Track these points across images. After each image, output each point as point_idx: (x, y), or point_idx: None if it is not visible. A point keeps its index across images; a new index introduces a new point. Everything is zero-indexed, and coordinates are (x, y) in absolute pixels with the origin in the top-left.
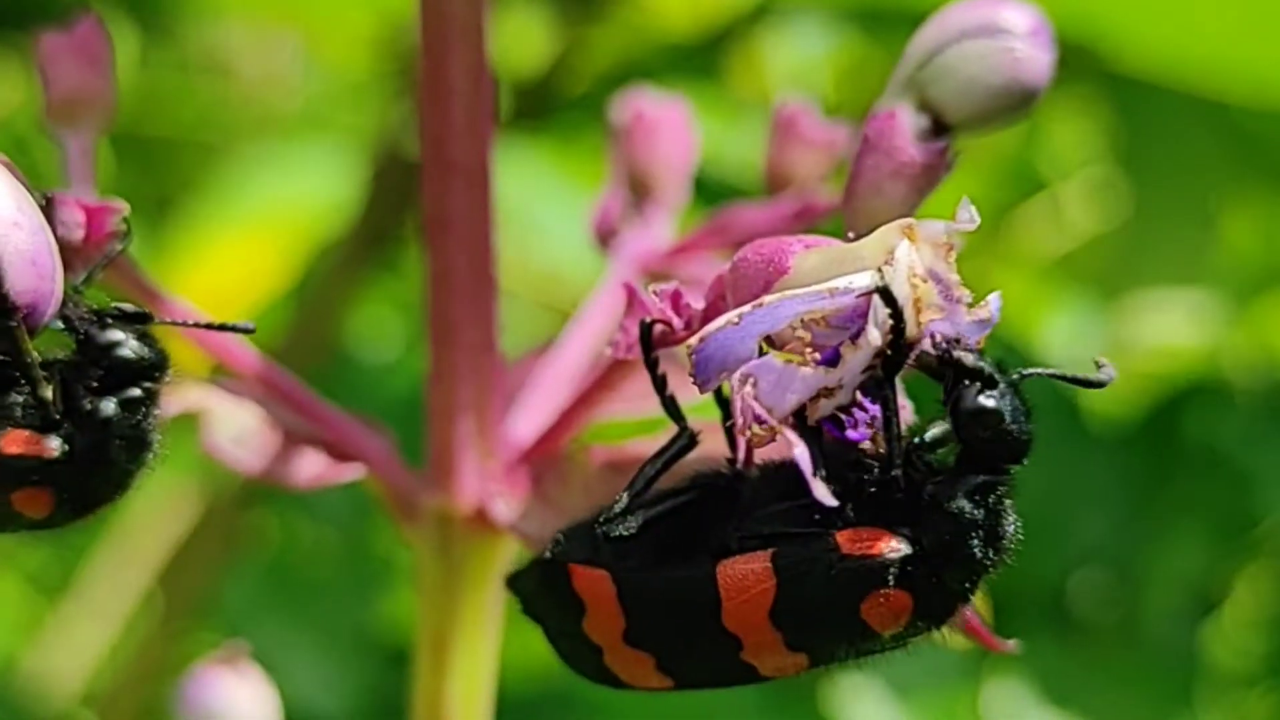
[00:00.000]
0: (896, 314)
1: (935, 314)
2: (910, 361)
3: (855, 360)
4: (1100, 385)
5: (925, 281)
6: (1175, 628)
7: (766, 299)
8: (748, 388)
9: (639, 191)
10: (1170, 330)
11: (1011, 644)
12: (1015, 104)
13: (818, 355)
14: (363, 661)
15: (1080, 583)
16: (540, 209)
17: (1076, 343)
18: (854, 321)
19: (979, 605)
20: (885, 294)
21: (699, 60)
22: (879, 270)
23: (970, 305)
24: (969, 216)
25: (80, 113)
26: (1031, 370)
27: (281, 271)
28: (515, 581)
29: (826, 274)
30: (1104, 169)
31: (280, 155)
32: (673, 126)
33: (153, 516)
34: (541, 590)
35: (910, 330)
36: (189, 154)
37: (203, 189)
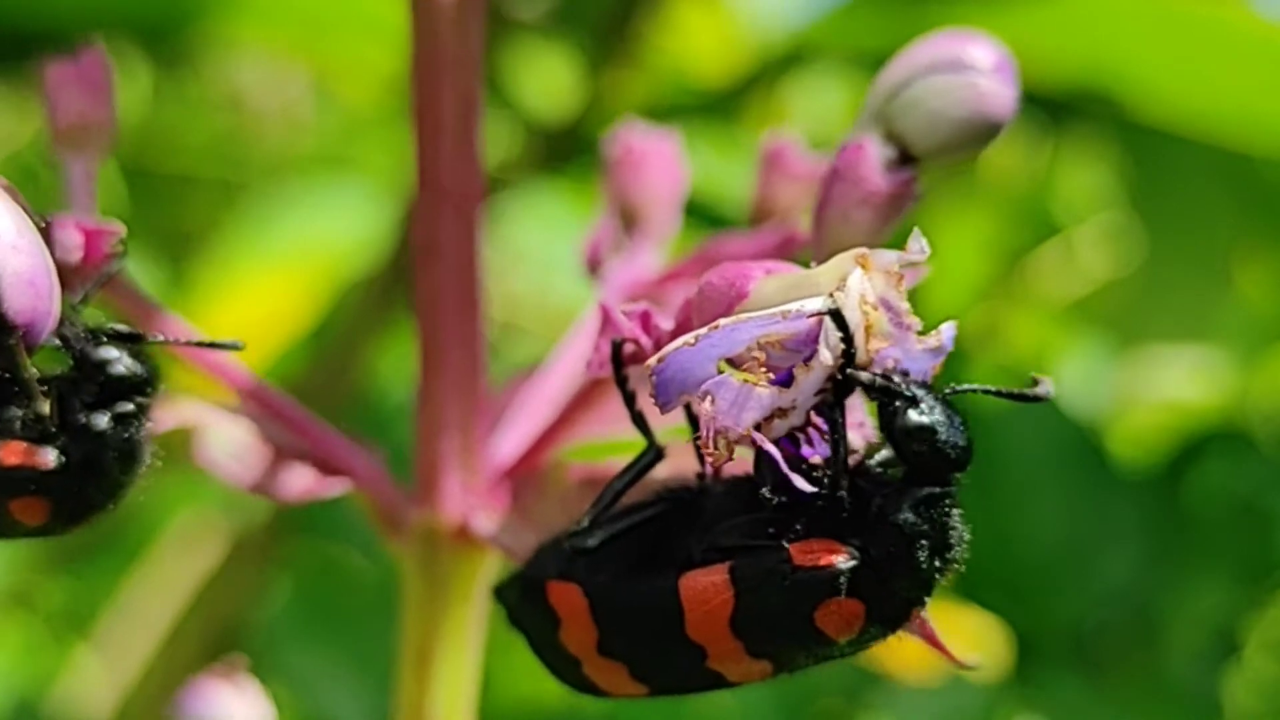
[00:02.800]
0: (847, 338)
1: (884, 341)
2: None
3: (808, 382)
4: (1037, 400)
5: (876, 309)
6: (1197, 669)
7: (722, 322)
8: (707, 405)
9: (628, 222)
10: (1184, 381)
11: (972, 659)
12: (979, 137)
13: (772, 376)
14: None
15: (1103, 623)
16: (558, 250)
17: (1090, 386)
18: (808, 345)
19: (944, 619)
20: (836, 317)
21: (724, 107)
22: (830, 295)
23: (921, 334)
24: (919, 248)
25: (83, 139)
26: (965, 387)
27: (306, 309)
28: (500, 594)
29: (783, 299)
30: (1118, 214)
31: (303, 193)
32: (662, 159)
33: (180, 549)
34: (522, 603)
35: (860, 355)
36: (210, 191)
37: (226, 226)
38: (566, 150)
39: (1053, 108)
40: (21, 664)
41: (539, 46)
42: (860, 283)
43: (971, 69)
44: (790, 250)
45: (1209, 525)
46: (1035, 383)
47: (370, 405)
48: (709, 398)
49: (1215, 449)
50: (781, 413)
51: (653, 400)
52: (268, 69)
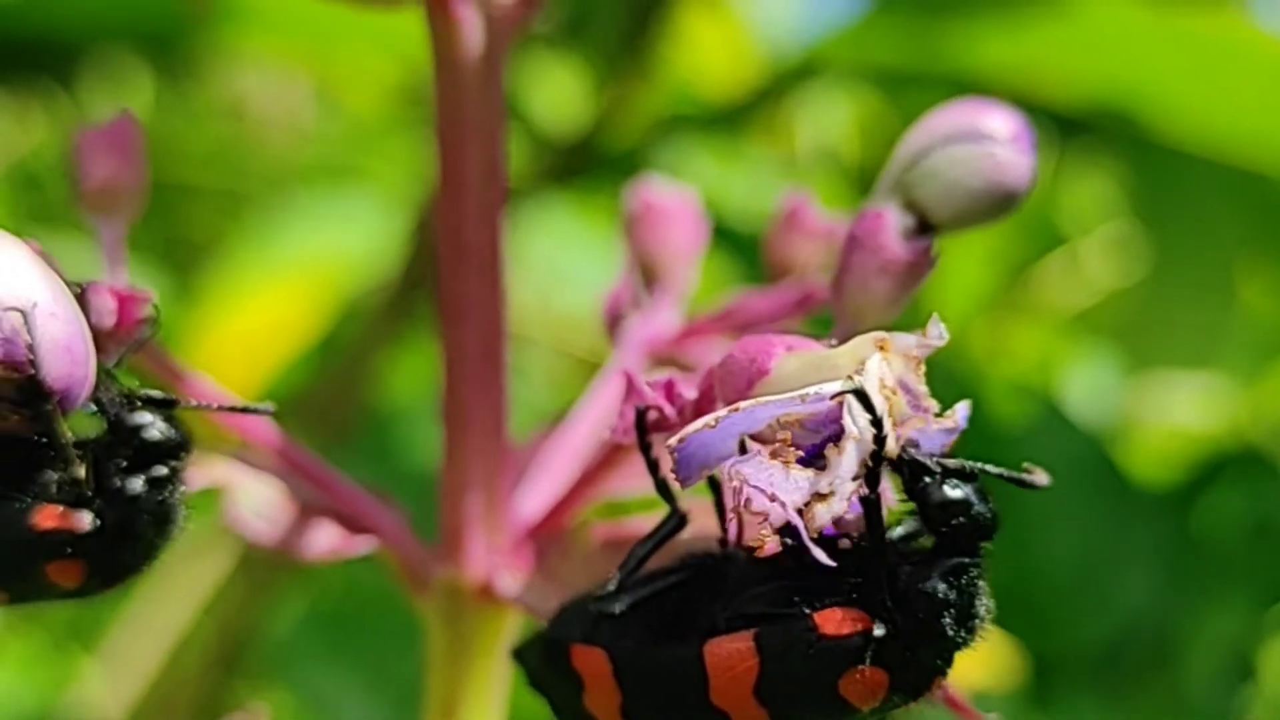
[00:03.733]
0: (876, 420)
1: (903, 423)
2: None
3: (844, 465)
4: (1033, 488)
5: (895, 393)
6: (1215, 690)
7: (742, 404)
8: (737, 489)
9: (648, 278)
10: (1191, 404)
11: (993, 717)
12: (996, 206)
13: (800, 454)
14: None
15: (1121, 644)
16: (563, 259)
17: (1096, 397)
18: (828, 426)
19: (971, 674)
20: (863, 400)
21: (734, 120)
22: (850, 377)
23: (938, 415)
24: (939, 333)
25: (112, 203)
26: (982, 465)
27: (312, 320)
28: (521, 655)
29: (803, 379)
30: (1122, 226)
31: (308, 203)
32: (681, 216)
33: (189, 561)
34: (544, 666)
35: (889, 444)
36: (214, 200)
37: (230, 236)
38: (576, 163)
39: (1060, 121)
40: (29, 677)
41: (550, 60)
42: (880, 367)
43: (989, 139)
44: (808, 307)
45: (1226, 547)
46: (1030, 472)
47: (379, 417)
48: (741, 484)
49: (1231, 472)
50: (820, 497)
51: (674, 477)
52: (271, 78)
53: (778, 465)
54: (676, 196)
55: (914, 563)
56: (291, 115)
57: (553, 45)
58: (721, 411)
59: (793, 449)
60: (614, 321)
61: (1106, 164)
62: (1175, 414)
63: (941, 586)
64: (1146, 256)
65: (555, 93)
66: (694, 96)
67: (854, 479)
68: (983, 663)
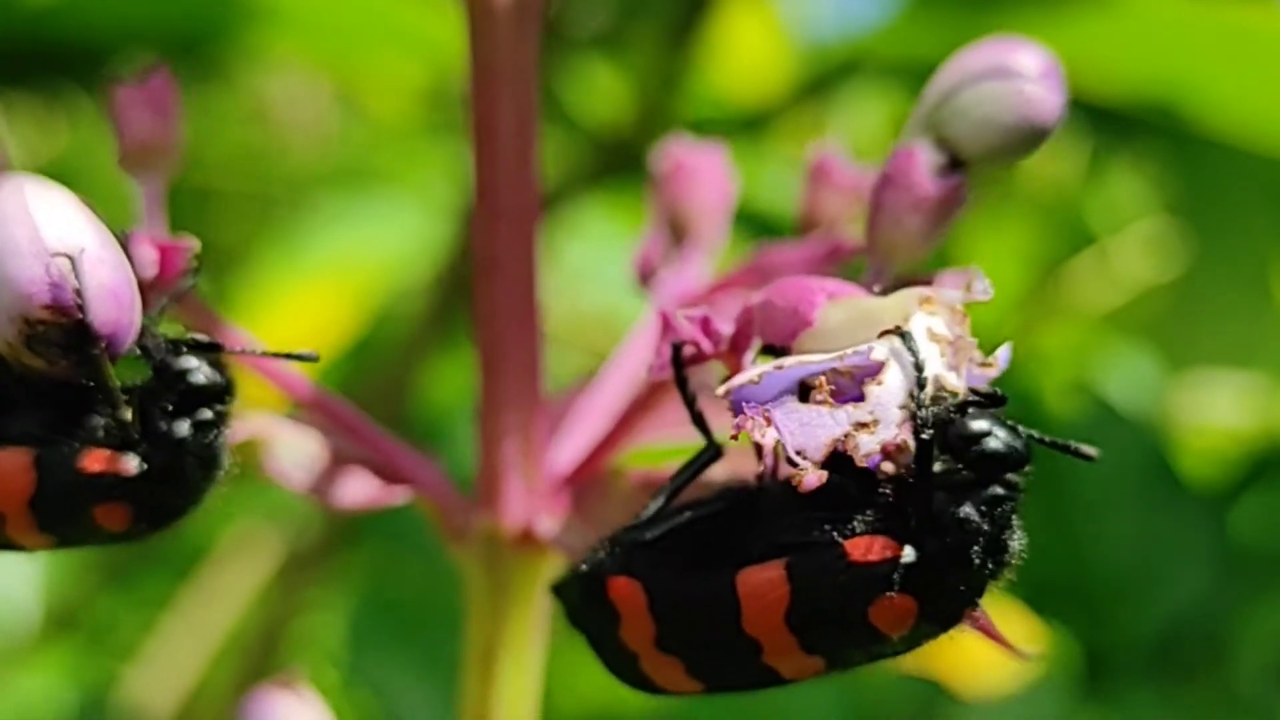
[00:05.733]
0: (919, 363)
1: (949, 374)
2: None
3: (886, 394)
4: (1084, 458)
5: (941, 342)
6: (1267, 684)
7: (787, 362)
8: (773, 431)
9: (678, 234)
10: (1231, 402)
11: (1031, 649)
12: (1027, 141)
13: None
14: None
15: (1174, 638)
16: (594, 260)
17: (1134, 395)
18: (872, 375)
19: (1001, 613)
20: (911, 348)
21: (775, 119)
22: (899, 335)
23: (982, 363)
24: (983, 288)
25: (151, 159)
26: (1030, 431)
27: (346, 324)
28: (559, 591)
29: (849, 333)
30: (1157, 221)
31: (337, 206)
32: (710, 172)
33: (234, 561)
34: (582, 600)
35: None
36: (239, 204)
37: (260, 241)
38: (616, 163)
39: (1096, 115)
40: (77, 677)
41: (593, 60)
42: (925, 320)
43: (1019, 76)
44: (838, 259)
45: (1274, 544)
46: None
47: (423, 420)
48: (774, 423)
49: (1277, 469)
50: (863, 426)
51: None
52: (296, 82)
53: (812, 407)
54: (705, 154)
55: (948, 490)
56: (317, 120)
57: (596, 46)
58: (768, 367)
59: (832, 389)
60: (645, 276)
61: (1143, 159)
62: (1212, 412)
63: (972, 513)
64: (1182, 253)
65: (597, 94)
66: (732, 97)
67: (900, 406)
68: (1037, 655)
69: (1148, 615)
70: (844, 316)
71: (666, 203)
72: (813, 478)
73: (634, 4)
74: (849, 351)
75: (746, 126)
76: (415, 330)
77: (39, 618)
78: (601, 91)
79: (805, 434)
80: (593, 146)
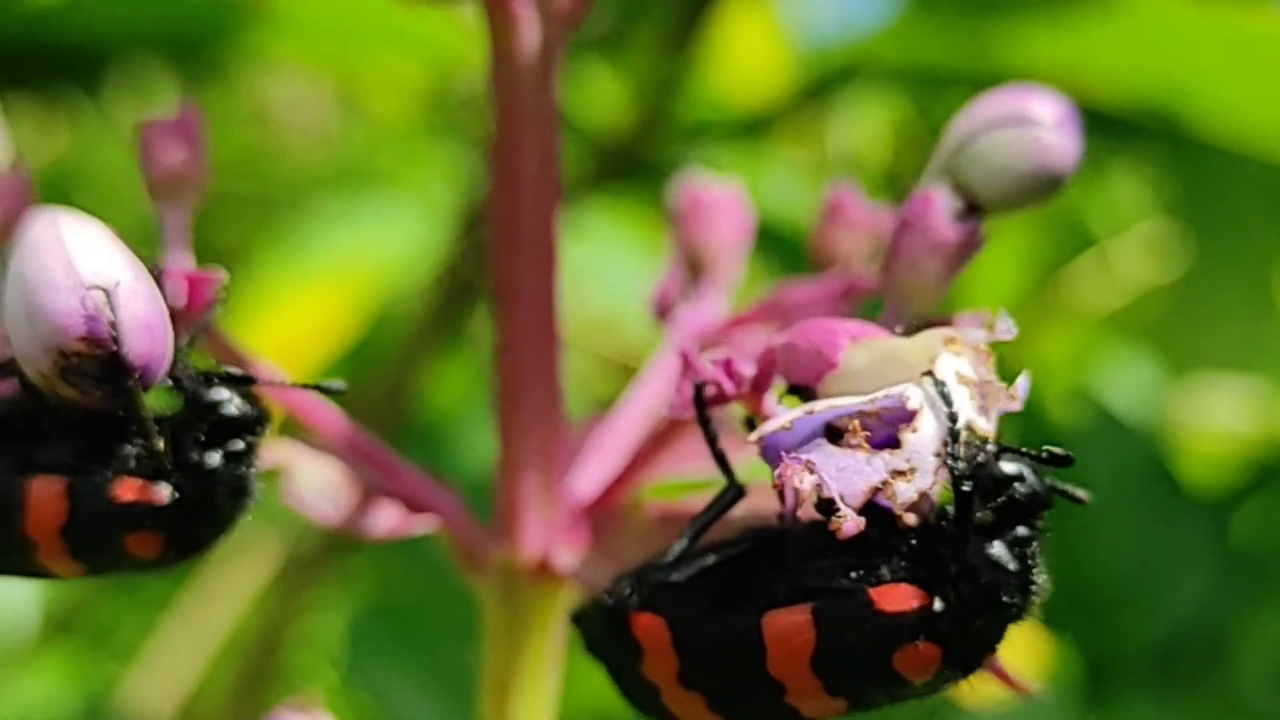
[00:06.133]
0: (953, 415)
1: (981, 418)
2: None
3: (921, 442)
4: (1076, 501)
5: (969, 385)
6: (1271, 693)
7: (818, 406)
8: (810, 475)
9: (695, 270)
10: (1232, 407)
11: (1035, 687)
12: (1043, 188)
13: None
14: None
15: (1176, 646)
16: (598, 263)
17: (1134, 400)
18: (903, 419)
19: (1016, 642)
20: (944, 396)
21: (777, 123)
22: (931, 381)
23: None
24: (1007, 328)
25: (179, 189)
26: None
27: (346, 326)
28: (579, 620)
29: (874, 375)
30: (1157, 225)
31: (337, 208)
32: (727, 208)
33: (233, 565)
34: (603, 633)
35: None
36: (239, 206)
37: (260, 243)
38: (617, 167)
39: (1096, 118)
40: (77, 680)
41: (594, 64)
42: (952, 363)
43: (1035, 124)
44: (854, 297)
45: (1276, 551)
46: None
47: (423, 421)
48: (812, 467)
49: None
50: (900, 474)
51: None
52: (296, 83)
53: (848, 452)
54: (723, 190)
55: (976, 534)
56: (318, 121)
57: (597, 50)
58: (798, 412)
59: (865, 434)
60: (662, 312)
61: (1143, 162)
62: (1213, 417)
63: (1005, 556)
64: (1182, 256)
65: (597, 98)
66: (733, 100)
67: (935, 454)
68: (1038, 663)
69: (1149, 622)
70: (868, 358)
71: (684, 238)
72: (851, 524)
73: (634, 7)
74: (880, 395)
75: (747, 130)
76: (415, 331)
77: (39, 620)
78: (602, 95)
79: (843, 480)
80: (594, 150)
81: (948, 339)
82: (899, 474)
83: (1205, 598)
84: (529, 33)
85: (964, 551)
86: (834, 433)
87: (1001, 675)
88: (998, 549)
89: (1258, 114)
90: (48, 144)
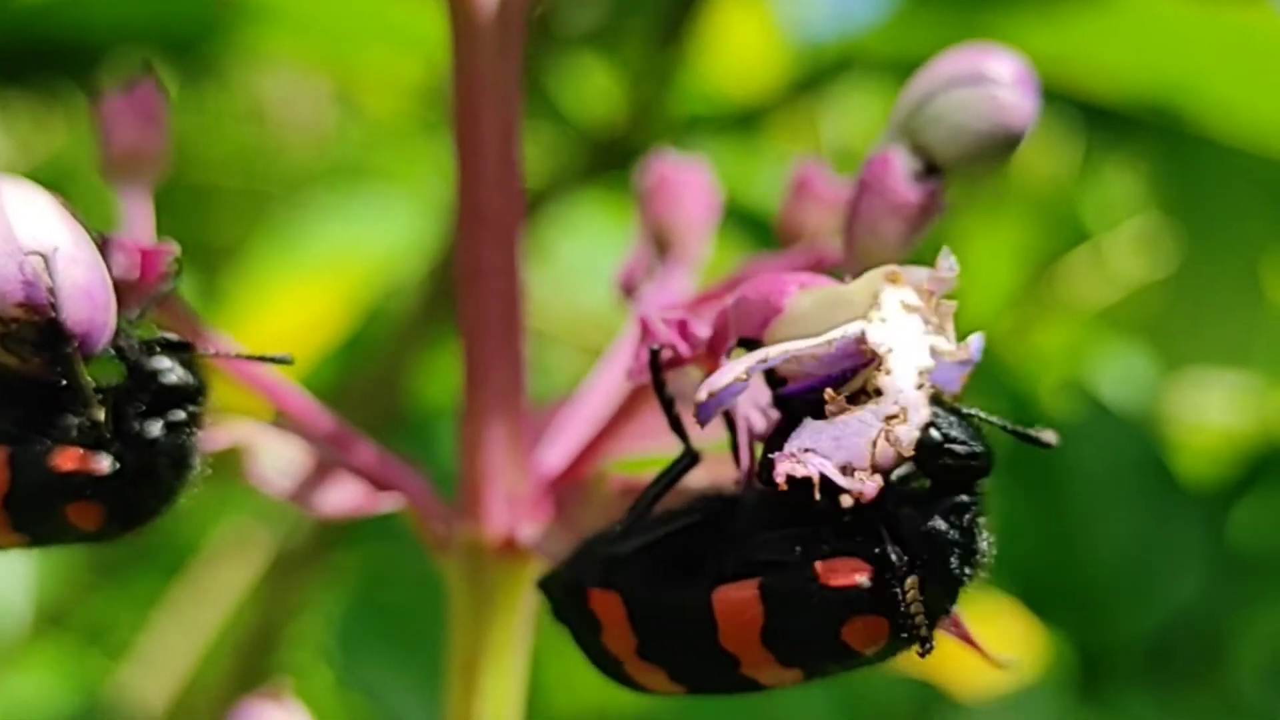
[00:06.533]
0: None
1: (941, 339)
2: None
3: (899, 382)
4: (1042, 445)
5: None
6: (1266, 687)
7: (769, 353)
8: (816, 459)
9: (662, 248)
10: (1224, 402)
11: (1006, 658)
12: (1000, 148)
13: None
14: None
15: (1171, 640)
16: (588, 257)
17: (1127, 394)
18: (844, 360)
19: (996, 616)
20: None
21: (768, 117)
22: (870, 317)
23: (952, 349)
24: (949, 265)
25: (136, 166)
26: (971, 411)
27: (338, 321)
28: (545, 587)
29: (819, 318)
30: (1151, 219)
31: (331, 204)
32: (694, 187)
33: (222, 562)
34: (564, 605)
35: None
36: (235, 202)
37: (254, 238)
38: (609, 160)
39: (1090, 112)
40: (68, 676)
41: (586, 57)
42: (897, 294)
43: (992, 82)
44: (819, 271)
45: (1271, 544)
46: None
47: (414, 415)
48: (805, 454)
49: (1275, 472)
50: (893, 418)
51: (695, 419)
52: (292, 80)
53: (834, 421)
54: (689, 169)
55: (913, 504)
56: (312, 117)
57: (588, 43)
58: (750, 360)
59: (839, 397)
60: (628, 290)
61: (1137, 157)
62: (1207, 411)
63: (944, 527)
64: (1176, 251)
65: (589, 91)
66: (726, 94)
67: (916, 388)
68: (1031, 656)
69: (1144, 617)
70: (813, 302)
71: (650, 217)
72: (871, 485)
73: (626, 1)
74: (830, 336)
75: (739, 123)
76: (406, 326)
77: (30, 616)
78: (594, 88)
79: (844, 448)
80: (586, 144)
81: (889, 275)
82: (892, 418)
83: (1200, 592)
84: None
85: (905, 521)
86: (809, 407)
87: (965, 639)
88: (936, 519)
89: (1251, 109)
90: (43, 140)
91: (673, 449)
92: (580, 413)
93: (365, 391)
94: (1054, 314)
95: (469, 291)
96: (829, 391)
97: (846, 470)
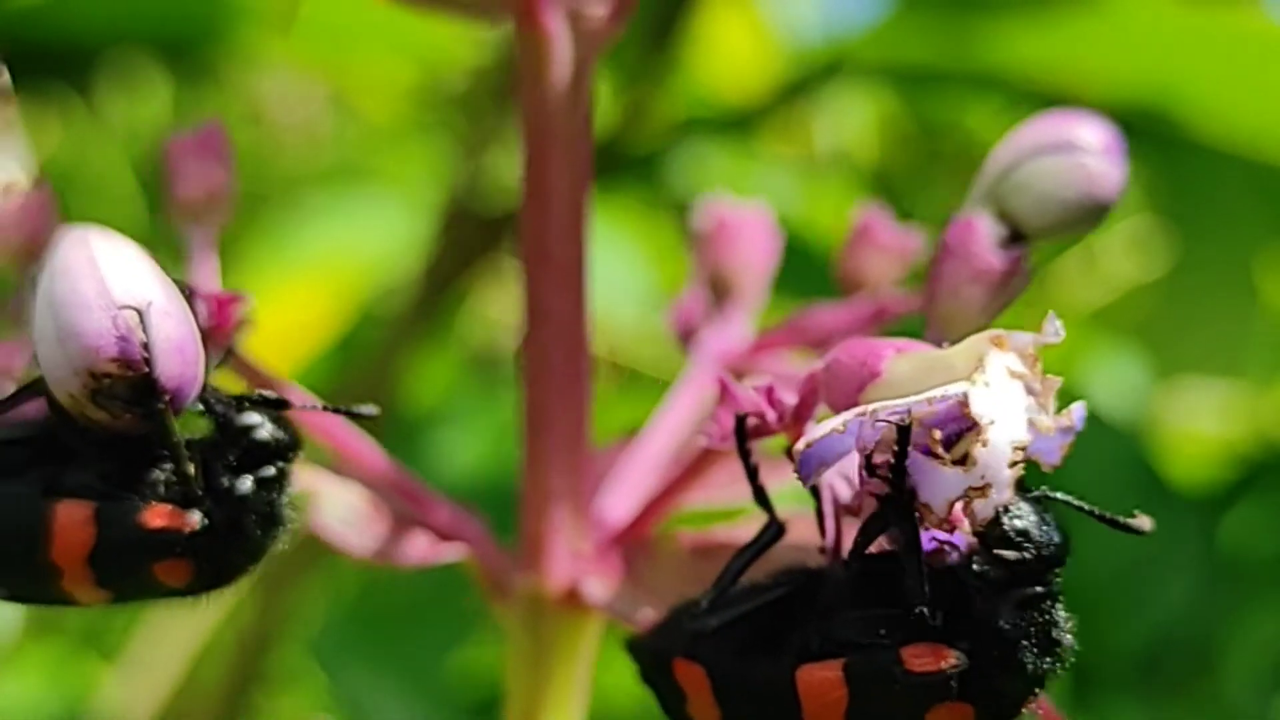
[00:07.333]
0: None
1: (1042, 415)
2: None
3: (993, 456)
4: (1131, 531)
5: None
6: (1255, 696)
7: (870, 407)
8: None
9: (720, 292)
10: (1215, 408)
11: None
12: (1088, 216)
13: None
14: (452, 705)
15: (1162, 649)
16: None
17: (1119, 399)
18: (947, 425)
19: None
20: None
21: (760, 119)
22: (977, 382)
23: (1051, 424)
24: (1054, 330)
25: (206, 209)
26: (1059, 496)
27: (331, 321)
28: (634, 652)
29: (919, 380)
30: (1143, 222)
31: (325, 205)
32: (754, 231)
33: None
34: (650, 672)
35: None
36: (241, 204)
37: (248, 239)
38: (602, 163)
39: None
40: (59, 680)
41: None
42: (1002, 360)
43: (1081, 150)
44: (883, 321)
45: (1262, 553)
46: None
47: (405, 422)
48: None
49: (1267, 478)
50: (976, 491)
51: (797, 476)
52: (288, 83)
53: (931, 460)
54: (749, 212)
55: (985, 594)
56: (308, 120)
57: None
58: (850, 415)
59: (943, 446)
60: (685, 335)
61: (1129, 160)
62: (1199, 416)
63: (1012, 621)
64: (1168, 254)
65: None
66: (718, 97)
67: (1009, 467)
68: None
69: (1134, 625)
70: (912, 366)
71: (708, 261)
72: (938, 518)
73: None
74: (935, 393)
75: (733, 126)
76: (399, 327)
77: (21, 621)
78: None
79: (930, 487)
80: None
81: (994, 339)
82: (975, 490)
83: (1190, 600)
84: (562, 53)
85: (988, 610)
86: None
87: (1048, 717)
88: (1008, 610)
89: (1243, 112)
90: (39, 142)
91: (739, 498)
92: (643, 461)
93: (358, 392)
94: (1046, 316)
95: (533, 336)
96: (934, 433)
97: (925, 504)
